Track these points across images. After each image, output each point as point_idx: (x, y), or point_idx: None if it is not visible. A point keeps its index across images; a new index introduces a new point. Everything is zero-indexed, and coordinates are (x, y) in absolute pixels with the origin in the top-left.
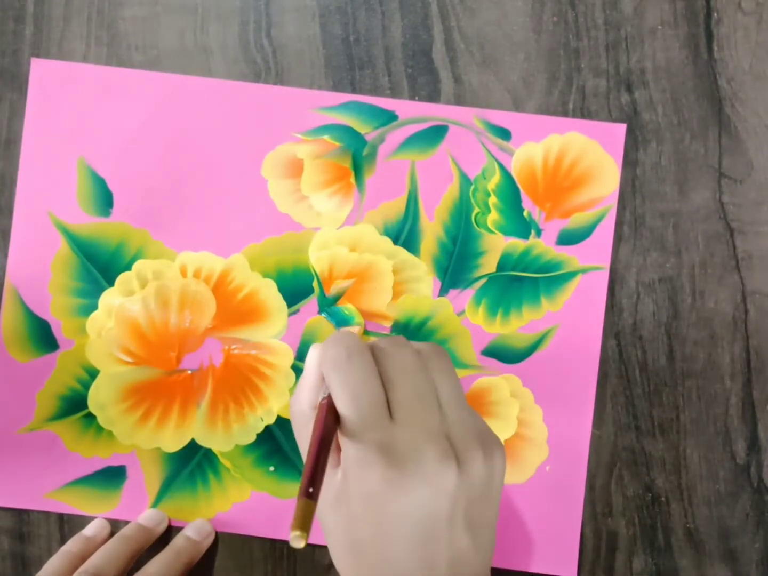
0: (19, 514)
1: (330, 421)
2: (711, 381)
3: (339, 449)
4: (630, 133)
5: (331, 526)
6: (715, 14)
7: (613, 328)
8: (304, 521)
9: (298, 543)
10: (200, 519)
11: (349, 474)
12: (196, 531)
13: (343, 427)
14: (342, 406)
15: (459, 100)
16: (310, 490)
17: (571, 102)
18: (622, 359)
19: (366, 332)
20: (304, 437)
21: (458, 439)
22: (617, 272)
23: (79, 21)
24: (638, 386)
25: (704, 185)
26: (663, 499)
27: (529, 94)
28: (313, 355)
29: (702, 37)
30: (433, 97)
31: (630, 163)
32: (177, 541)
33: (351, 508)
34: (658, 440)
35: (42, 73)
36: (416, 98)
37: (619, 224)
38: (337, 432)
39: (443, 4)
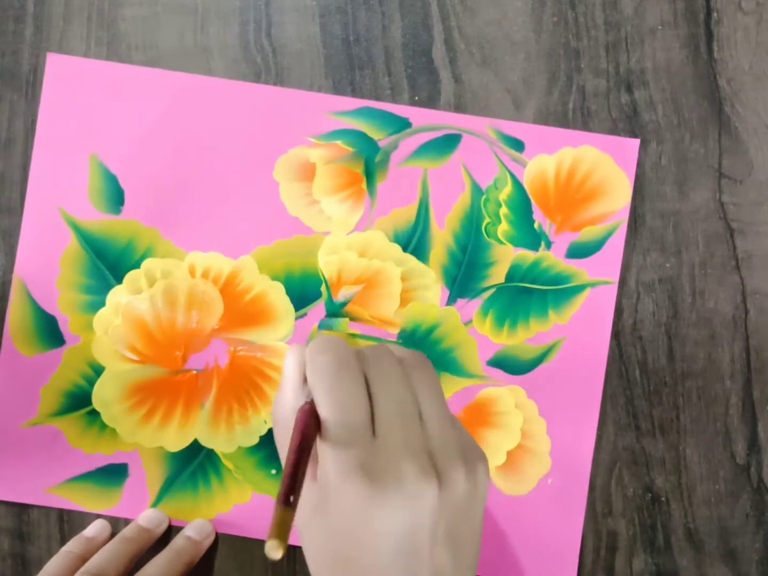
0: (20, 514)
1: (311, 427)
2: (711, 381)
3: (316, 461)
4: (630, 133)
5: (309, 539)
6: (715, 14)
7: (613, 328)
8: (281, 530)
9: (274, 554)
10: (201, 519)
11: (329, 488)
12: (196, 531)
13: (325, 437)
14: (328, 416)
15: (459, 101)
16: (290, 498)
17: (571, 102)
18: (622, 359)
19: (373, 338)
20: (286, 442)
21: (440, 455)
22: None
23: (79, 21)
24: (638, 386)
25: (704, 185)
26: (663, 499)
27: (529, 94)
28: (292, 358)
29: (702, 37)
30: (433, 97)
31: None
32: (177, 541)
33: (331, 522)
34: (658, 440)
35: (57, 68)
36: (416, 98)
37: None
38: (315, 443)
39: (443, 4)
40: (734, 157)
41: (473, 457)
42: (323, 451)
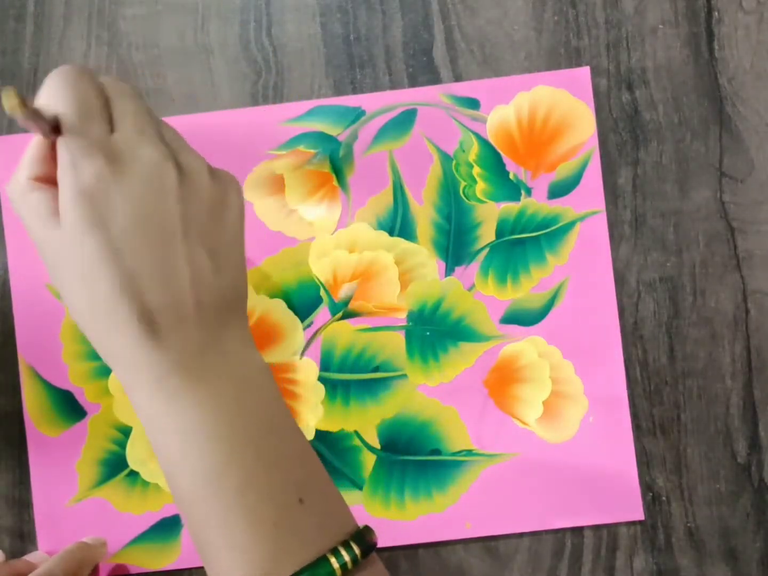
0: (20, 513)
1: (46, 127)
2: (712, 380)
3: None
4: (631, 132)
5: (52, 254)
6: (716, 13)
7: None
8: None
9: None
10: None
11: (66, 176)
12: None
13: (64, 127)
14: (63, 103)
15: None
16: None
17: None
18: (623, 358)
19: (382, 328)
20: (25, 212)
21: (178, 149)
22: (618, 271)
23: (79, 20)
24: (639, 385)
25: (705, 184)
26: (664, 498)
27: None
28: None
29: (703, 36)
30: None
31: (631, 163)
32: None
33: (72, 222)
34: (659, 439)
35: (5, 148)
36: None
37: (619, 223)
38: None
39: (444, 3)
40: (735, 156)
41: (219, 171)
42: (62, 143)
